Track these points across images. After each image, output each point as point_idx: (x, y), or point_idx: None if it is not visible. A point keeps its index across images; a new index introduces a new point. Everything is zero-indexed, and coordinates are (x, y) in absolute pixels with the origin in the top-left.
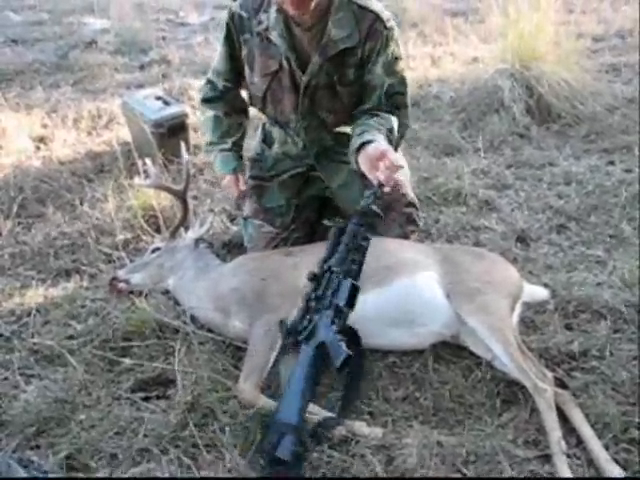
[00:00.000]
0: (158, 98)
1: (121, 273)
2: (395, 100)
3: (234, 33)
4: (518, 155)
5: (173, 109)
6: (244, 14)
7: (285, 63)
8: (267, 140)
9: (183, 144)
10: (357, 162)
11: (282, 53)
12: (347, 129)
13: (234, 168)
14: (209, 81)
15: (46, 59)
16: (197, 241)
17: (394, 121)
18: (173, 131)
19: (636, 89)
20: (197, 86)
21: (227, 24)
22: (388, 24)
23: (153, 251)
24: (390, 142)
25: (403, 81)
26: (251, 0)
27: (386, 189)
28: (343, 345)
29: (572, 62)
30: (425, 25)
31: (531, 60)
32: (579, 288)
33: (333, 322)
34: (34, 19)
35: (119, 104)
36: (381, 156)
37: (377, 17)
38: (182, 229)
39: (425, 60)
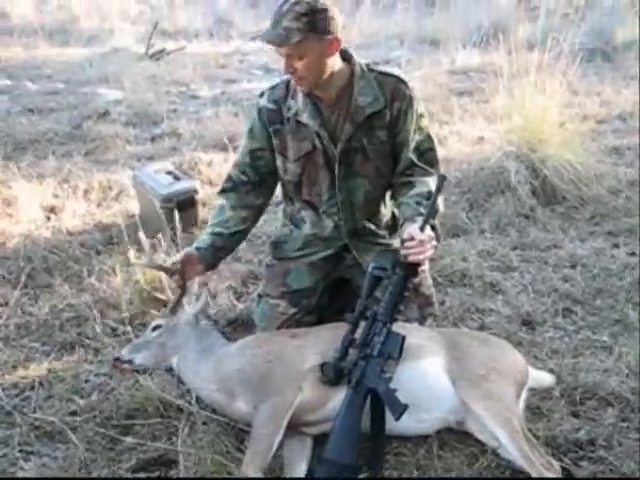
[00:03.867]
0: (168, 173)
1: (124, 353)
2: (427, 158)
3: (260, 128)
4: (524, 237)
5: (183, 184)
6: (272, 106)
7: (317, 142)
8: (295, 222)
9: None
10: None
11: (313, 132)
12: (379, 209)
13: (197, 246)
14: (228, 173)
15: (60, 129)
16: (196, 316)
17: (431, 183)
18: (182, 206)
19: (638, 172)
20: (206, 160)
21: (252, 120)
22: (409, 84)
23: (154, 328)
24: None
25: (430, 137)
26: (277, 90)
27: (410, 258)
28: (399, 397)
29: (576, 144)
30: (431, 104)
31: (536, 142)
32: (585, 374)
33: (383, 371)
34: (50, 89)
35: (130, 177)
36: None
37: (398, 79)
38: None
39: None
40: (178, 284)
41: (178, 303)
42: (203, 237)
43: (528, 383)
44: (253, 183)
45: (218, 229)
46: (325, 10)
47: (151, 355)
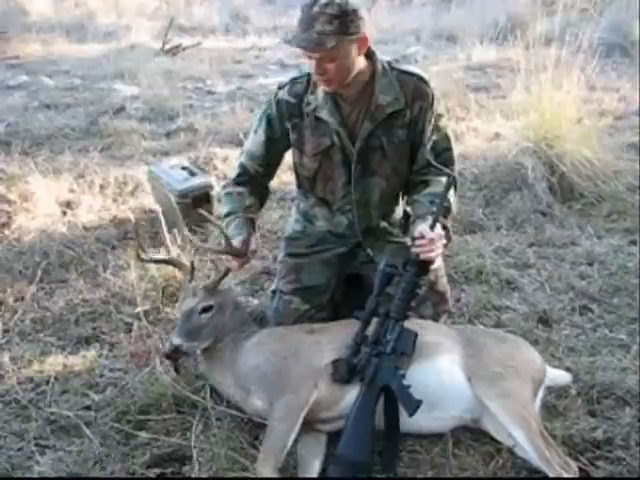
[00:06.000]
0: (184, 168)
1: (180, 342)
2: (444, 158)
3: (277, 119)
4: (540, 233)
5: (198, 180)
6: (292, 100)
7: (336, 139)
8: (309, 218)
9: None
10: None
11: (333, 129)
12: (393, 207)
13: (249, 232)
14: (241, 165)
15: (76, 124)
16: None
17: (444, 183)
18: (197, 202)
19: None
20: (222, 156)
21: (270, 110)
22: (431, 83)
23: (204, 310)
24: (444, 210)
25: (447, 137)
26: (298, 84)
27: (422, 256)
28: (413, 393)
29: (594, 140)
30: (448, 100)
31: (553, 138)
32: (602, 373)
33: (396, 367)
34: (67, 84)
35: (145, 172)
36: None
37: (419, 78)
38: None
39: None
40: (241, 266)
41: (220, 282)
42: (247, 223)
43: (545, 381)
44: (265, 172)
45: (249, 215)
46: (356, 11)
47: (205, 340)
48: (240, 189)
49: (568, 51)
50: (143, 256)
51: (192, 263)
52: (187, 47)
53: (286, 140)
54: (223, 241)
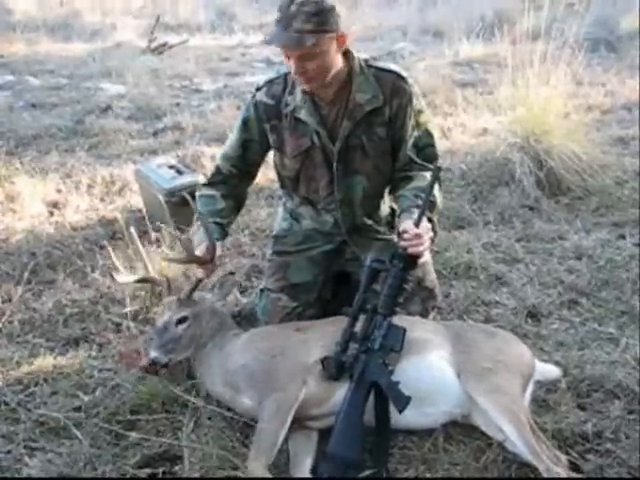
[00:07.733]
0: (171, 167)
1: (158, 355)
2: (426, 154)
3: (255, 122)
4: (528, 228)
5: (186, 178)
6: (270, 101)
7: (316, 139)
8: (295, 217)
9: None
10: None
11: (312, 129)
12: (378, 205)
13: (217, 238)
14: (216, 166)
15: (63, 124)
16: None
17: (429, 177)
18: (185, 200)
19: None
20: (209, 154)
21: (248, 112)
22: (409, 80)
23: (180, 321)
24: (428, 205)
25: (429, 132)
26: (275, 85)
27: (409, 250)
28: (402, 389)
29: (581, 135)
30: (435, 96)
31: (541, 133)
32: (592, 367)
33: (385, 364)
34: (53, 84)
35: (132, 171)
36: (404, 231)
37: (397, 75)
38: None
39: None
40: (208, 274)
41: (193, 292)
42: (212, 227)
43: (534, 376)
44: (241, 174)
45: (218, 219)
46: (333, 8)
47: (184, 350)
48: (212, 192)
49: (555, 46)
50: (120, 279)
51: (167, 279)
52: (173, 45)
53: (264, 142)
54: (185, 251)
